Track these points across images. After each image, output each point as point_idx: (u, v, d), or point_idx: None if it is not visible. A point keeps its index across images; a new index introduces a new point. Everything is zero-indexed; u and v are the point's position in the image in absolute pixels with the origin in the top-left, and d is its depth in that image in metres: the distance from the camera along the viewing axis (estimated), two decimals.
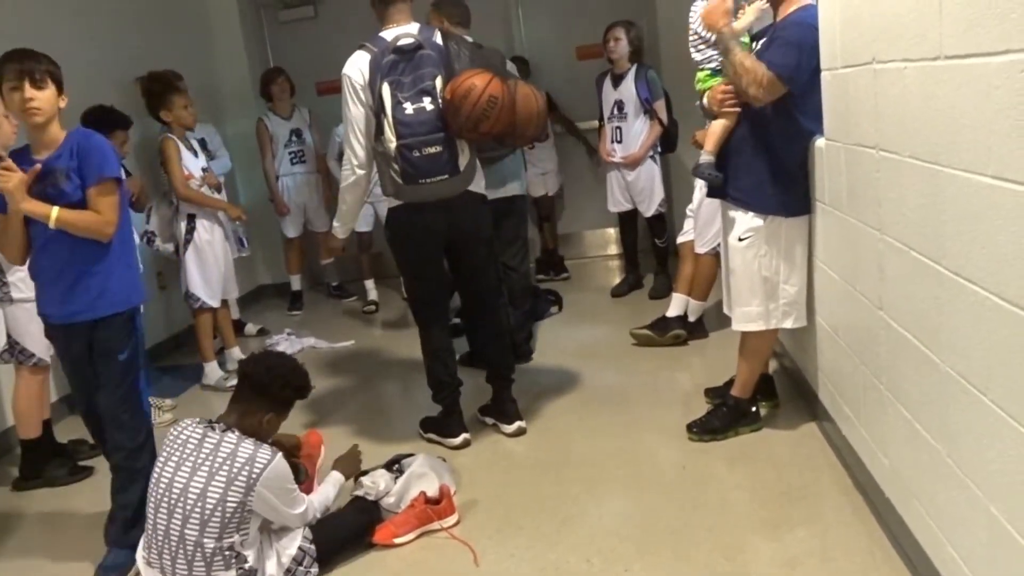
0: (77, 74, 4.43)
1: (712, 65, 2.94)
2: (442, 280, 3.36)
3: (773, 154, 2.82)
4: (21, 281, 3.25)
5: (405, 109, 2.94)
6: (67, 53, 4.55)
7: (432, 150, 2.96)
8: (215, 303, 4.37)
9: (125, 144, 4.05)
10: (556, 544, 2.55)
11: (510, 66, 3.96)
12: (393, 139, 2.95)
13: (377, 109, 2.98)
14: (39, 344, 3.34)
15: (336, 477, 2.74)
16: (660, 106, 4.83)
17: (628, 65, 4.86)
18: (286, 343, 4.95)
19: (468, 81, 2.92)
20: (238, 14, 6.16)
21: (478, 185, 3.20)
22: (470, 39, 3.95)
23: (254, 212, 5.77)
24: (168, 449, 2.38)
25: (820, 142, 2.69)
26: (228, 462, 2.29)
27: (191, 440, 2.36)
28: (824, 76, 2.59)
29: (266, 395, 2.46)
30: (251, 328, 5.37)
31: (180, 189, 4.18)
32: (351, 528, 2.63)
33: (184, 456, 2.33)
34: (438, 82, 2.98)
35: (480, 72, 2.97)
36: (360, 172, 3.14)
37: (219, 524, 2.27)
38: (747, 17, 2.83)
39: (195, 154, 4.33)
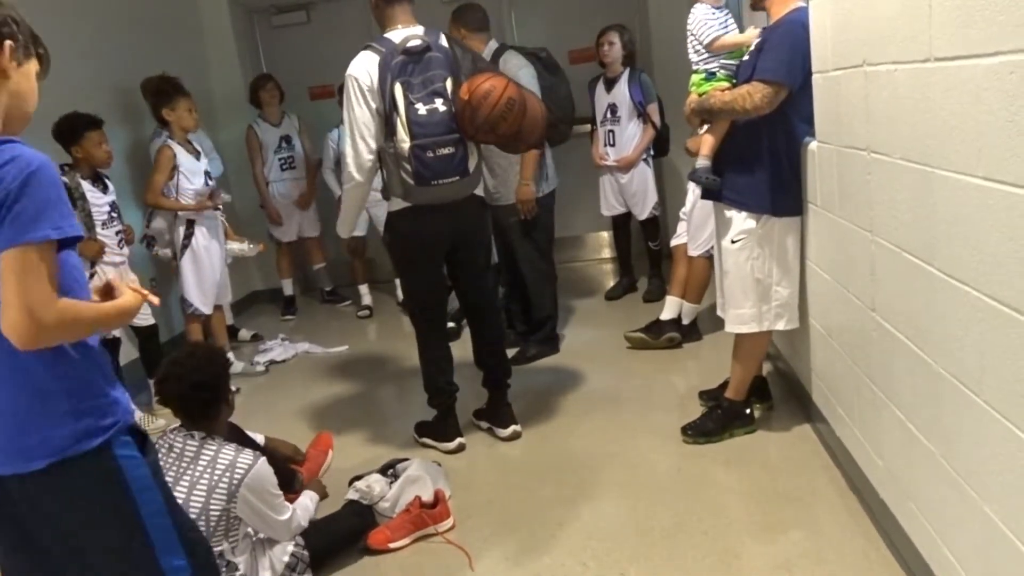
0: (68, 80, 4.46)
1: (711, 66, 2.94)
2: (443, 284, 3.35)
3: (767, 155, 2.83)
4: None
5: (418, 110, 2.92)
6: (57, 59, 4.56)
7: (446, 151, 2.94)
8: (207, 310, 4.36)
9: (102, 145, 3.75)
10: (551, 548, 2.55)
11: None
12: (407, 139, 2.92)
13: (389, 110, 2.94)
14: None
15: (310, 493, 2.74)
16: (653, 110, 4.84)
17: (621, 69, 4.87)
18: (280, 348, 4.95)
19: (488, 83, 2.91)
20: (230, 19, 6.14)
21: (480, 188, 3.20)
22: (495, 43, 3.99)
23: (246, 217, 5.76)
24: None
25: (812, 144, 2.70)
26: (208, 469, 2.28)
27: (173, 449, 2.34)
28: (815, 79, 2.60)
29: (207, 402, 2.41)
30: (245, 333, 5.35)
31: (149, 196, 4.19)
32: (345, 533, 2.63)
33: (166, 465, 2.30)
34: (448, 84, 2.97)
35: (495, 75, 2.98)
36: (358, 178, 3.04)
37: (204, 532, 2.25)
38: (729, 38, 2.88)
39: (197, 157, 4.29)
